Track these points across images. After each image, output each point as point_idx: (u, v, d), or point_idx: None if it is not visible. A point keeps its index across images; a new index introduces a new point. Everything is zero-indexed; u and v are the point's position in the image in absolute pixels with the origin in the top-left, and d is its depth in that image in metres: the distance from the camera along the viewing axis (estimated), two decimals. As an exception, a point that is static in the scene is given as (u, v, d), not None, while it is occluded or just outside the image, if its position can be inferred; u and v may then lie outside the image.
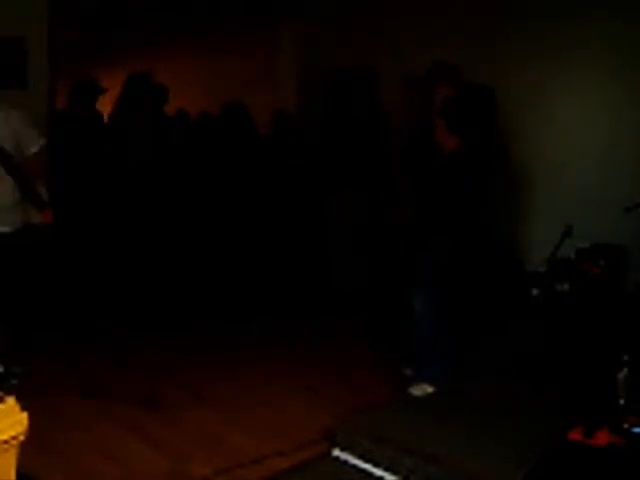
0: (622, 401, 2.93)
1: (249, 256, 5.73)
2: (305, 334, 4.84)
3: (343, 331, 4.91)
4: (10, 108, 3.68)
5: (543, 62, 5.00)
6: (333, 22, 6.38)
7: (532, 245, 4.99)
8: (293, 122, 6.48)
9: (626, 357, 2.98)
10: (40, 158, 3.85)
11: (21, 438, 1.82)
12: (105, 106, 5.45)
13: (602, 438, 2.78)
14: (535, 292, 4.30)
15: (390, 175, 5.55)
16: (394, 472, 2.93)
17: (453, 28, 5.46)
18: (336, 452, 3.14)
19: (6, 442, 1.78)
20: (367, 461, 3.03)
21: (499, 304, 4.42)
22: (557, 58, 4.95)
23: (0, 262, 3.70)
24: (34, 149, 3.75)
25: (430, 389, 3.61)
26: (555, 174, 5.04)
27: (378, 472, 2.98)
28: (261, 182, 5.92)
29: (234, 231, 5.72)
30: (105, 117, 5.49)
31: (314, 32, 6.58)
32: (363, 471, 3.02)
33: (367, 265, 5.56)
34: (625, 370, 2.95)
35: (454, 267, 3.60)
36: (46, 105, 4.89)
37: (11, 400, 1.82)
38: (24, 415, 1.82)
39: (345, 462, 3.09)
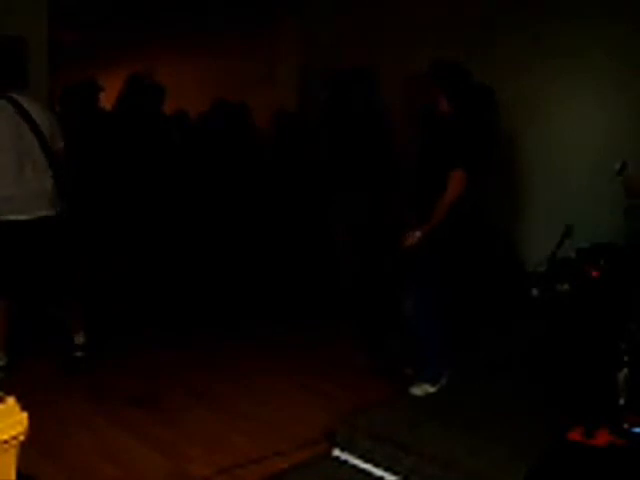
0: (622, 401, 2.93)
1: (249, 256, 5.73)
2: (305, 334, 4.84)
3: (343, 331, 4.90)
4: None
5: (543, 63, 5.00)
6: (333, 22, 6.37)
7: (532, 245, 4.99)
8: (293, 122, 6.48)
9: (626, 357, 2.98)
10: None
11: (21, 438, 1.82)
12: (105, 106, 5.44)
13: (602, 438, 2.79)
14: (535, 292, 4.29)
15: (390, 175, 5.54)
16: (394, 472, 2.94)
17: (453, 28, 5.46)
18: (336, 452, 3.14)
19: (6, 442, 1.78)
20: (367, 461, 3.03)
21: (499, 304, 4.42)
22: (557, 59, 4.95)
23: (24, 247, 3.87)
24: (60, 144, 4.05)
25: (430, 389, 3.61)
26: (555, 174, 5.03)
27: (378, 472, 2.98)
28: (261, 182, 5.92)
29: (234, 231, 5.72)
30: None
31: (314, 32, 6.58)
32: (363, 471, 3.02)
33: (367, 265, 5.55)
34: (625, 370, 2.95)
35: (453, 265, 3.59)
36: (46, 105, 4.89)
37: (11, 400, 1.82)
38: (24, 415, 1.82)
39: (345, 462, 3.09)
